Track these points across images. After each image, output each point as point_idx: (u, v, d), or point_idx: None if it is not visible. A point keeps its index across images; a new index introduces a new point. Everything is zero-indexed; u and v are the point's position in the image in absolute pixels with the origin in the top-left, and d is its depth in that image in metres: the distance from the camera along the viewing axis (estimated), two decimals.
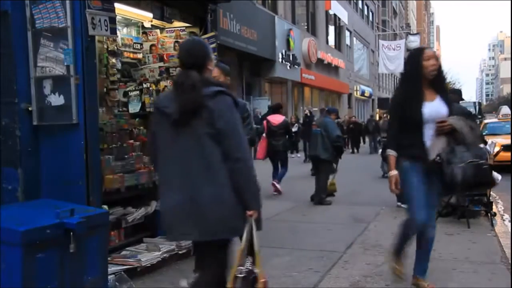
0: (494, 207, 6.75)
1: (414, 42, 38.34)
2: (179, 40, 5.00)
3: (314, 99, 26.87)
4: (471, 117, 5.92)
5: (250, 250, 2.56)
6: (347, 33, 33.41)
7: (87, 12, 3.48)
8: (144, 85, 4.99)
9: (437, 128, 3.43)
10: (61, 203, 3.14)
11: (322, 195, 7.96)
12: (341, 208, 7.61)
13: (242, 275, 2.51)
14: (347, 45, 33.49)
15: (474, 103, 34.45)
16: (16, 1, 3.56)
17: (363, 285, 4.00)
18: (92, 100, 3.61)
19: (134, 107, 5.00)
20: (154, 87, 4.96)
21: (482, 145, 4.13)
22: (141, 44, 5.23)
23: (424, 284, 3.64)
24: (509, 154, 11.16)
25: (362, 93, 36.89)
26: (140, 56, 5.22)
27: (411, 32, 45.32)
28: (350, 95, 33.83)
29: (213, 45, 5.01)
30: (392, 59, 34.39)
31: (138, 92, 5.01)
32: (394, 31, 50.23)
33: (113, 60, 4.78)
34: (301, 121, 18.16)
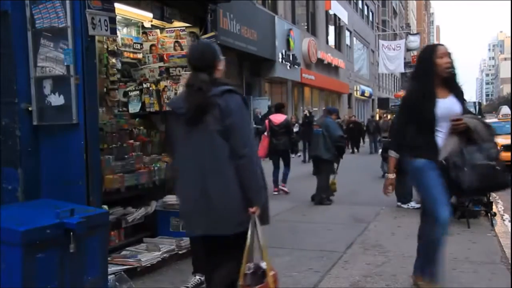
0: (494, 207, 6.75)
1: (414, 42, 38.38)
2: (179, 40, 5.00)
3: (314, 99, 26.87)
4: None
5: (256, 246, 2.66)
6: (347, 33, 33.41)
7: (87, 12, 3.47)
8: (144, 85, 4.99)
9: (452, 126, 3.31)
10: (61, 203, 3.14)
11: (322, 195, 7.97)
12: (341, 208, 7.62)
13: (251, 271, 2.63)
14: (347, 45, 33.48)
15: (474, 103, 34.51)
16: (16, 1, 3.56)
17: (363, 285, 4.00)
18: (92, 100, 3.61)
19: (134, 107, 5.00)
20: (154, 87, 4.96)
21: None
22: (141, 44, 5.23)
23: (424, 284, 3.64)
24: (509, 154, 11.15)
25: (362, 93, 36.89)
26: (140, 56, 5.22)
27: (411, 32, 45.33)
28: (350, 95, 33.83)
29: None
30: (392, 59, 34.40)
31: (138, 92, 5.01)
32: (394, 31, 50.24)
33: (113, 60, 4.78)
34: (300, 121, 18.17)
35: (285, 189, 9.21)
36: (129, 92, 5.03)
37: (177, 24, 5.10)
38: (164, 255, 4.38)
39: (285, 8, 21.34)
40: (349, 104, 34.03)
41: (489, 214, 6.30)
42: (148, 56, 5.10)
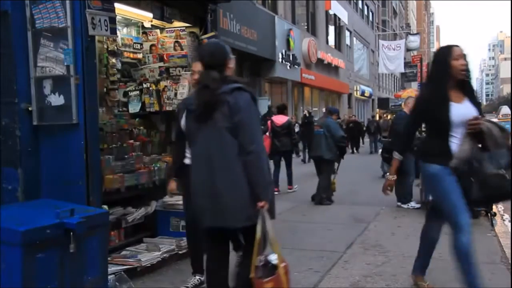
0: (494, 207, 6.75)
1: (414, 42, 38.35)
2: (179, 40, 5.00)
3: (314, 99, 26.87)
4: None
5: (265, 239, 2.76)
6: (347, 33, 33.40)
7: (87, 12, 3.47)
8: (144, 85, 4.99)
9: (469, 128, 3.19)
10: (61, 203, 3.14)
11: (322, 195, 7.97)
12: (341, 208, 7.61)
13: (262, 263, 2.71)
14: (347, 45, 33.48)
15: None
16: (16, 1, 3.56)
17: (363, 285, 4.00)
18: (92, 100, 3.61)
19: (134, 107, 5.00)
20: (154, 87, 4.96)
21: None
22: (141, 44, 5.23)
23: (424, 284, 3.64)
24: None
25: (362, 93, 36.89)
26: (140, 56, 5.22)
27: (411, 32, 45.28)
28: (350, 95, 33.82)
29: None
30: (392, 59, 34.37)
31: (138, 92, 5.01)
32: (394, 31, 50.22)
33: (113, 60, 4.78)
34: (299, 122, 18.16)
35: (294, 188, 9.45)
36: (129, 92, 5.03)
37: (177, 24, 5.10)
38: (164, 255, 4.38)
39: (285, 8, 21.33)
40: (349, 104, 34.03)
41: (489, 214, 6.29)
42: (148, 56, 5.11)
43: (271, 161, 9.29)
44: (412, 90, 32.26)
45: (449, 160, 3.21)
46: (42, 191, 3.63)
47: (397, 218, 6.78)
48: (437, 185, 3.29)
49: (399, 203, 7.55)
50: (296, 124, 16.81)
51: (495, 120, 18.57)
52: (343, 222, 6.56)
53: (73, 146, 3.56)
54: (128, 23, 5.26)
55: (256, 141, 2.68)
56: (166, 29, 5.17)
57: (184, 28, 5.10)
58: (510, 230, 5.92)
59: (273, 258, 2.76)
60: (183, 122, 3.26)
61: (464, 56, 3.28)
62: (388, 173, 3.65)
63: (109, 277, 3.47)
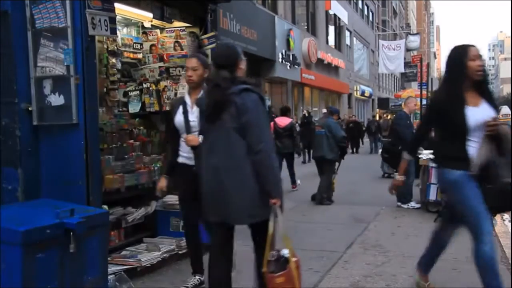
0: None
1: (414, 42, 38.29)
2: (179, 40, 5.00)
3: (314, 99, 26.87)
4: None
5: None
6: (347, 33, 33.40)
7: (87, 12, 3.47)
8: (144, 85, 4.99)
9: (488, 129, 3.08)
10: (61, 203, 3.14)
11: (323, 194, 7.98)
12: (341, 208, 7.62)
13: (274, 258, 2.79)
14: (347, 45, 33.48)
15: None
16: (16, 1, 3.56)
17: (363, 285, 4.00)
18: (92, 100, 3.60)
19: (134, 107, 4.99)
20: (154, 87, 4.95)
21: None
22: (141, 44, 5.23)
23: (425, 284, 3.64)
24: None
25: (362, 93, 36.90)
26: (140, 56, 5.22)
27: (411, 32, 45.24)
28: (350, 95, 33.83)
29: (213, 45, 5.01)
30: (392, 59, 34.33)
31: (138, 92, 5.01)
32: (394, 31, 50.22)
33: (113, 60, 4.78)
34: (299, 122, 18.15)
35: (297, 183, 9.66)
36: (129, 92, 5.03)
37: (177, 24, 5.10)
38: (164, 255, 4.38)
39: (285, 8, 21.33)
40: (349, 104, 34.04)
41: None
42: (148, 56, 5.10)
43: None
44: (412, 90, 32.24)
45: (468, 165, 3.10)
46: (42, 191, 3.63)
47: (397, 218, 6.78)
48: (459, 192, 3.17)
49: (399, 203, 7.55)
50: (296, 124, 16.81)
51: None
52: (343, 222, 6.57)
53: (73, 146, 3.55)
54: (128, 23, 5.25)
55: (265, 140, 2.74)
56: (166, 29, 5.16)
57: (184, 28, 5.10)
58: (510, 230, 5.92)
59: (285, 252, 2.84)
60: (177, 118, 3.37)
61: (480, 57, 3.19)
62: (395, 173, 3.62)
63: (109, 277, 3.47)
